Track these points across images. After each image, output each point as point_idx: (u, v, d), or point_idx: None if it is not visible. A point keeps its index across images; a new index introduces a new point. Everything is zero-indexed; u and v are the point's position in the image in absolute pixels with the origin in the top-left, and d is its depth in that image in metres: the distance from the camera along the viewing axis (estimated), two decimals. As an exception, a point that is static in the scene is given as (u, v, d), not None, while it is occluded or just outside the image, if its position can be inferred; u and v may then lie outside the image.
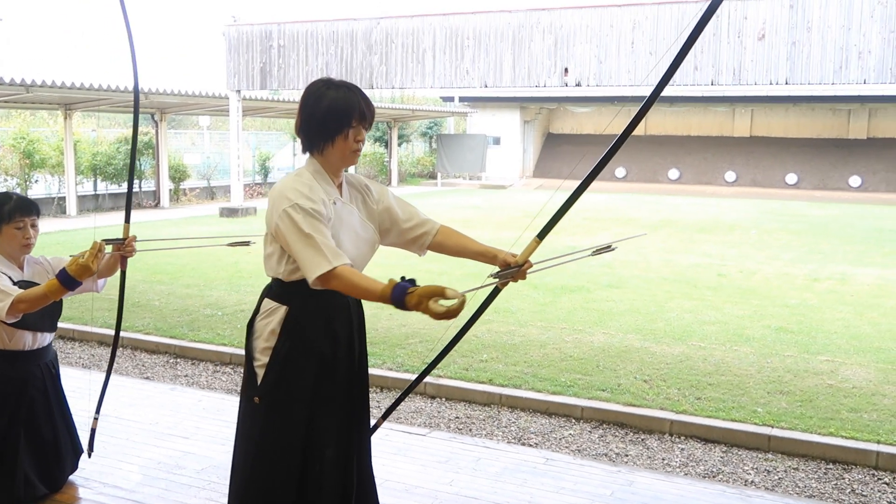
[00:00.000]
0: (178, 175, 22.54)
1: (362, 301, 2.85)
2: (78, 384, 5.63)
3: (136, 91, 3.73)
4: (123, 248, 3.57)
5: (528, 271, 2.75)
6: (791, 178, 29.87)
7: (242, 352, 6.61)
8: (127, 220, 3.68)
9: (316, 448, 2.66)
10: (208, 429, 4.66)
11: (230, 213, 17.82)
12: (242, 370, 6.29)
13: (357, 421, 2.78)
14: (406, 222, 2.85)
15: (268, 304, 2.70)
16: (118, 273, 3.70)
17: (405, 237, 2.87)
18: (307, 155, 2.72)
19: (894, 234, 16.06)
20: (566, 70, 13.70)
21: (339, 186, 2.75)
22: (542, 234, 2.80)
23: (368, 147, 34.64)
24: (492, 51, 14.32)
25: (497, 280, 2.74)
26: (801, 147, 30.85)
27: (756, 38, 12.42)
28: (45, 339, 3.69)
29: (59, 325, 7.27)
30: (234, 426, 4.78)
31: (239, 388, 5.95)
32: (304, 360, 2.65)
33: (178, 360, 6.77)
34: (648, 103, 2.48)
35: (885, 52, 11.84)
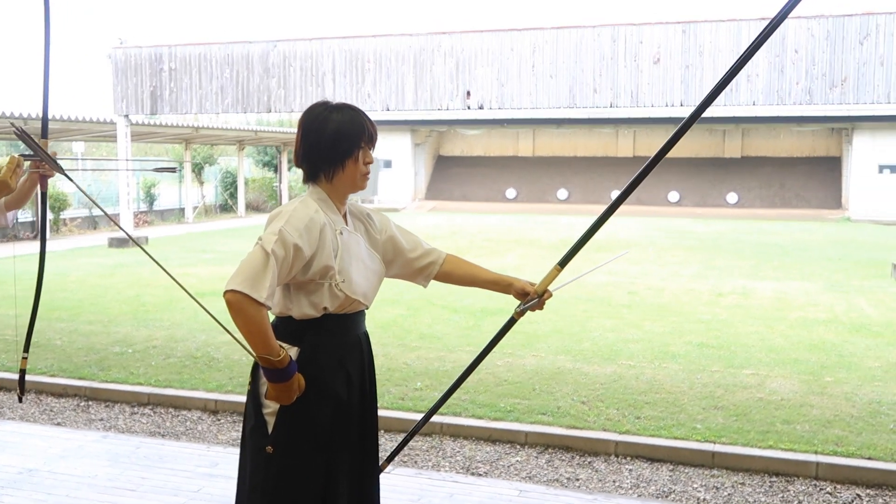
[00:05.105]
0: (57, 204, 21.40)
1: (370, 338, 2.70)
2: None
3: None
4: (42, 164, 3.20)
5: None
6: (673, 195, 31.05)
7: (162, 391, 6.33)
8: (44, 135, 3.31)
9: (332, 498, 2.48)
10: (155, 479, 4.33)
11: (120, 243, 17.00)
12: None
13: (369, 467, 2.61)
14: (411, 252, 2.72)
15: None
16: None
17: (411, 268, 2.74)
18: (309, 185, 2.56)
19: (779, 248, 16.87)
20: (468, 93, 13.78)
21: (344, 216, 2.60)
22: (563, 262, 2.72)
23: (257, 172, 33.99)
24: (393, 74, 14.26)
25: (515, 311, 2.64)
26: (681, 166, 32.12)
27: (652, 62, 12.84)
28: None
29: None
30: (182, 474, 4.51)
31: (161, 430, 5.61)
32: (319, 404, 2.47)
33: (90, 402, 6.32)
34: (686, 126, 2.42)
35: (771, 76, 12.44)
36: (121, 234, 17.75)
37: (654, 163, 2.47)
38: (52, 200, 21.01)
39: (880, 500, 4.53)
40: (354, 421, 2.57)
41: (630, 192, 2.53)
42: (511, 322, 2.86)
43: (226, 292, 2.30)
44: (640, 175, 2.52)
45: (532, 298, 2.73)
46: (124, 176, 17.74)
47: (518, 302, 2.82)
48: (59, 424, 5.74)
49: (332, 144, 2.50)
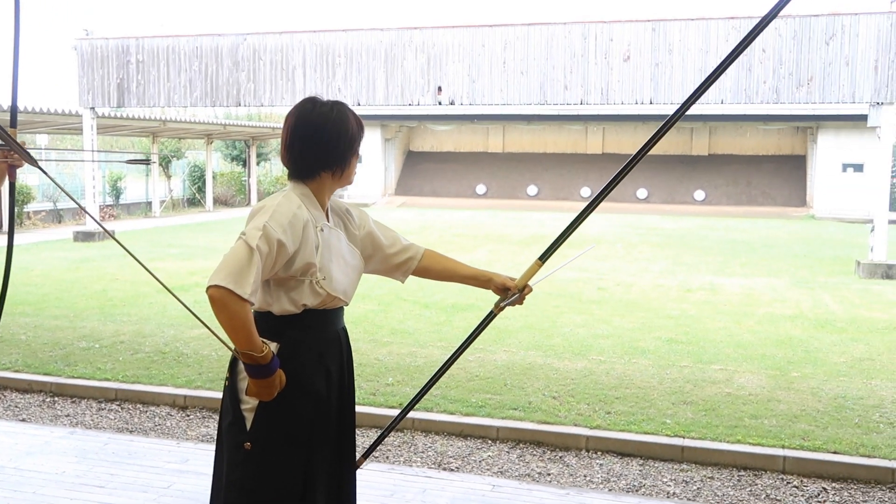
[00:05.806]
0: (21, 197, 21.01)
1: (348, 331, 2.69)
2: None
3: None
4: (10, 154, 3.05)
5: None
6: (641, 192, 31.29)
7: (130, 387, 6.25)
8: (13, 125, 3.16)
9: (311, 495, 2.47)
10: (124, 475, 4.28)
11: (86, 237, 16.77)
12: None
13: (347, 463, 2.60)
14: (390, 248, 2.71)
15: None
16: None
17: (389, 263, 2.73)
18: (292, 182, 2.53)
19: (745, 245, 17.06)
20: (440, 89, 13.77)
21: (327, 212, 2.58)
22: (543, 257, 2.72)
23: (226, 166, 33.70)
24: (364, 69, 14.21)
25: (495, 306, 2.64)
26: (649, 163, 32.32)
27: (622, 60, 12.91)
28: None
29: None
30: (151, 471, 4.46)
31: (130, 427, 5.55)
32: (299, 400, 2.45)
33: (56, 398, 6.24)
34: (671, 121, 2.40)
35: (739, 74, 12.59)
36: (86, 228, 17.53)
37: (638, 158, 2.46)
38: (16, 193, 20.62)
39: (846, 494, 4.60)
40: (333, 417, 2.56)
41: (613, 186, 2.51)
42: (490, 317, 2.86)
43: (209, 287, 2.27)
44: (624, 170, 2.50)
45: (513, 293, 2.74)
46: (90, 169, 17.48)
47: (496, 297, 2.83)
48: (24, 420, 5.65)
49: (350, 143, 2.51)
